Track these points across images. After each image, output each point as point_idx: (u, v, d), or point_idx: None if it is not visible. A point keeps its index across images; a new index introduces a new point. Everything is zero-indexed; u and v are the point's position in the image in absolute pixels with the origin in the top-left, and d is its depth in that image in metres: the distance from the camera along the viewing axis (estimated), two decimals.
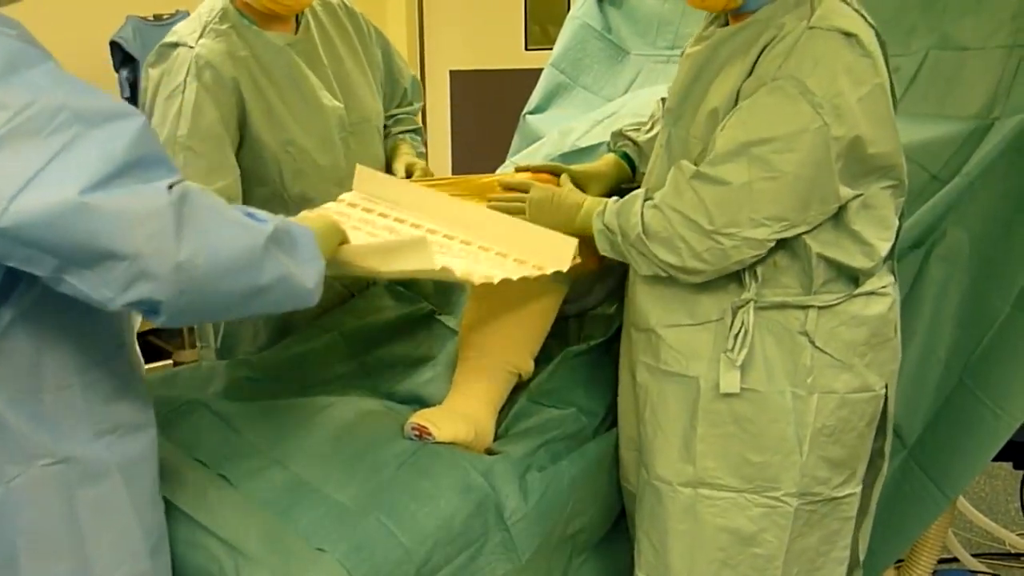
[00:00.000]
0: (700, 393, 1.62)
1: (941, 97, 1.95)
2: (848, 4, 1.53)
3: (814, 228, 1.53)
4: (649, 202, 1.57)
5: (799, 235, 1.53)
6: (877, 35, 1.53)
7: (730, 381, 1.59)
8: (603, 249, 1.65)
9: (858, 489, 1.69)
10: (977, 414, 1.84)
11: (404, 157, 2.20)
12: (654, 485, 1.67)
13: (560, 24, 2.63)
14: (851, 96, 1.46)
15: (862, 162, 1.51)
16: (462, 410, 1.70)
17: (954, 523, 2.62)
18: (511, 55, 4.53)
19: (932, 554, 2.15)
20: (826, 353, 1.59)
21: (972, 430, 1.85)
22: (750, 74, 1.52)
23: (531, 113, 2.54)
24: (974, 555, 2.56)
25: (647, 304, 1.68)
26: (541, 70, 2.63)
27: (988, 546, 2.76)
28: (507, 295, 1.74)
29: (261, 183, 2.06)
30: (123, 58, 3.56)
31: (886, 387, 1.67)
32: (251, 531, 1.46)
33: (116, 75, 3.58)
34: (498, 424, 1.77)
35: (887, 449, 1.73)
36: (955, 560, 2.51)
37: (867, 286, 1.60)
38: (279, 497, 1.53)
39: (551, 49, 2.64)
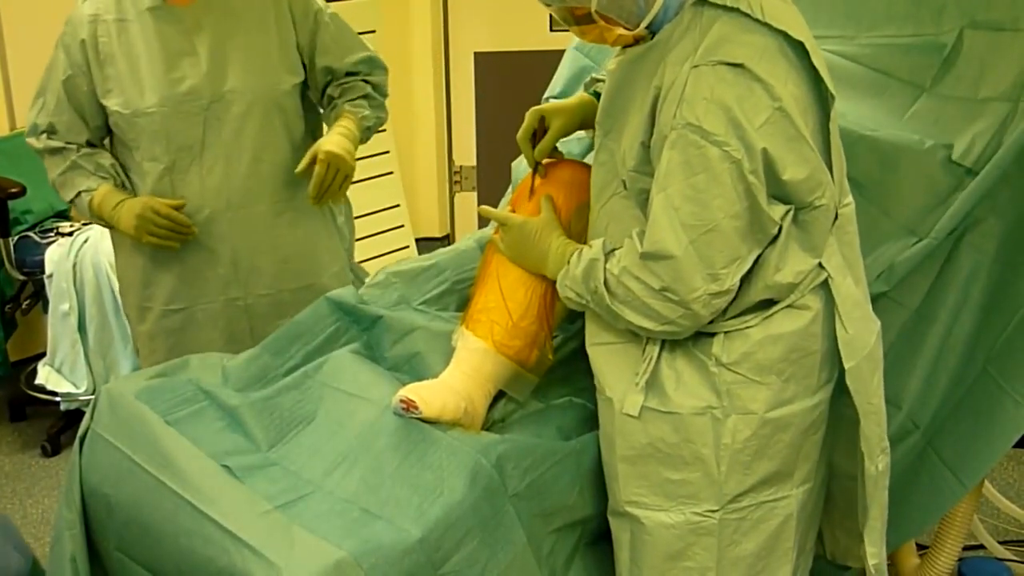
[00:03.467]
0: (615, 414, 1.63)
1: (976, 79, 1.91)
2: (749, 15, 1.49)
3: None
4: (611, 264, 1.57)
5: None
6: (787, 39, 1.49)
7: (631, 403, 1.60)
8: (577, 309, 1.68)
9: (801, 488, 1.66)
10: (998, 402, 1.82)
11: (329, 136, 2.24)
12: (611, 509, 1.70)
13: None
14: (750, 126, 1.45)
15: (780, 185, 1.49)
16: (454, 385, 1.70)
17: (980, 509, 2.60)
18: (536, 37, 4.49)
19: (957, 541, 2.13)
20: (739, 374, 1.57)
21: (993, 419, 1.83)
22: (652, 126, 1.53)
23: (555, 98, 2.51)
24: (1001, 542, 2.53)
25: (588, 322, 1.70)
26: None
27: (1016, 533, 2.73)
28: (516, 283, 1.76)
29: (119, 142, 2.23)
30: None
31: (821, 400, 1.64)
32: (257, 523, 1.47)
33: None
34: (501, 410, 1.77)
35: (873, 469, 1.67)
36: (981, 547, 2.49)
37: (785, 301, 1.58)
38: (283, 492, 1.54)
39: None
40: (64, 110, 2.17)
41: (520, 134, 1.89)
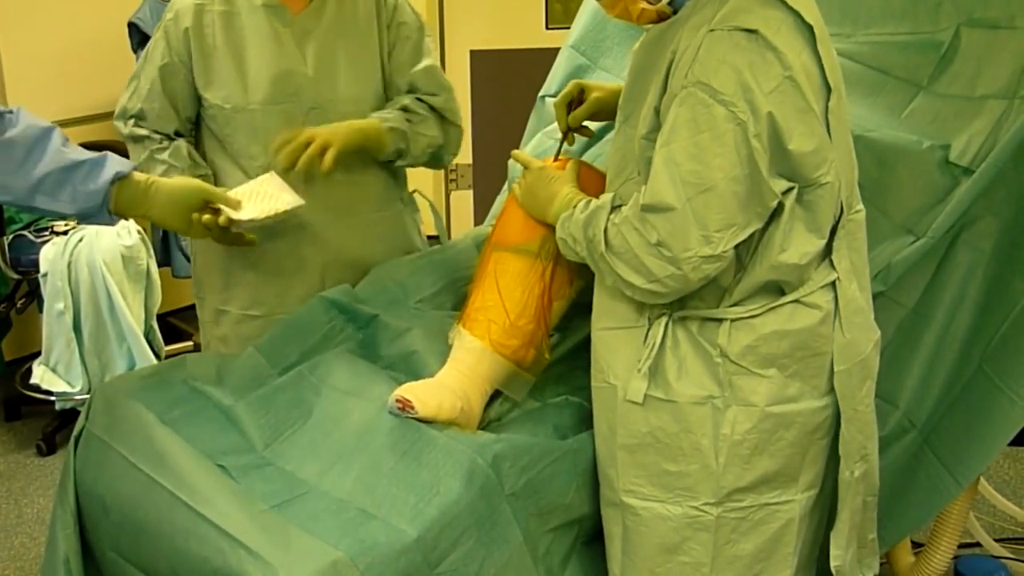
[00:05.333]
0: (618, 402, 1.63)
1: (972, 77, 1.92)
2: None
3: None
4: (614, 216, 1.57)
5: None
6: (801, 19, 1.51)
7: (635, 389, 1.61)
8: (567, 255, 1.68)
9: (804, 494, 1.66)
10: (994, 400, 1.82)
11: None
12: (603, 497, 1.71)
13: (580, 2, 2.60)
14: (759, 91, 1.46)
15: (785, 155, 1.49)
16: (451, 385, 1.70)
17: (976, 507, 2.60)
18: (532, 34, 4.49)
19: (953, 538, 2.13)
20: (741, 366, 1.58)
21: (988, 416, 1.83)
22: (664, 90, 1.54)
23: (551, 96, 2.51)
24: (997, 539, 2.53)
25: (596, 306, 1.71)
26: None
27: (1011, 531, 2.74)
28: (513, 283, 1.76)
29: (211, 136, 2.14)
30: (141, 39, 3.55)
31: (829, 403, 1.63)
32: (253, 523, 1.46)
33: (134, 56, 3.58)
34: (497, 409, 1.76)
35: (848, 474, 1.67)
36: (977, 545, 2.49)
37: (794, 294, 1.59)
38: (279, 492, 1.54)
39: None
40: (156, 98, 2.08)
41: (558, 100, 1.95)
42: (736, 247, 1.53)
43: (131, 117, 2.12)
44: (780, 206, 1.53)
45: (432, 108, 2.20)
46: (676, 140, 1.49)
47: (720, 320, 1.59)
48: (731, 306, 1.59)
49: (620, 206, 1.59)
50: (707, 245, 1.50)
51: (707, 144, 1.47)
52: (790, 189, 1.53)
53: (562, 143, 1.95)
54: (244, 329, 2.16)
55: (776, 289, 1.59)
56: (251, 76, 2.08)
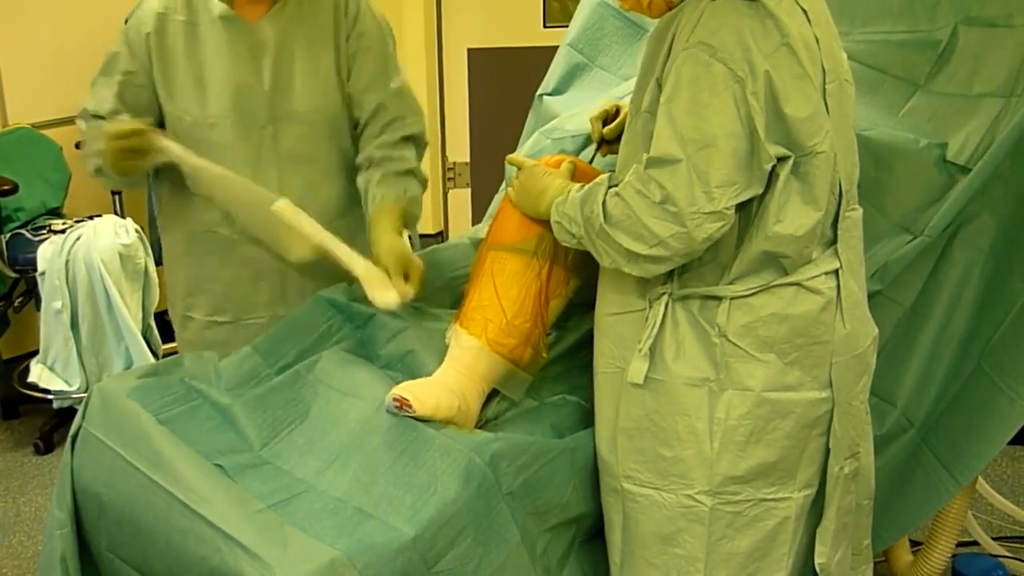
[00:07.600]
0: (623, 384, 1.64)
1: (969, 75, 1.92)
2: None
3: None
4: (613, 189, 1.58)
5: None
6: None
7: (635, 370, 1.62)
8: (562, 240, 1.68)
9: (802, 493, 1.65)
10: (993, 399, 1.82)
11: (387, 241, 1.99)
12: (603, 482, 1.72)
13: (578, 1, 2.60)
14: (759, 52, 1.48)
15: (781, 119, 1.50)
16: (448, 383, 1.70)
17: (974, 506, 2.60)
18: (529, 33, 4.49)
19: (951, 537, 2.13)
20: (739, 347, 1.58)
21: (987, 415, 1.83)
22: (667, 61, 1.56)
23: (549, 95, 2.51)
24: (995, 538, 2.53)
25: (600, 294, 1.71)
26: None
27: (1009, 529, 2.74)
28: (510, 281, 1.76)
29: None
30: None
31: (829, 397, 1.62)
32: (250, 523, 1.46)
33: None
34: (495, 408, 1.76)
35: (837, 469, 1.66)
36: (975, 543, 2.49)
37: (796, 275, 1.59)
38: (276, 491, 1.54)
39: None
40: (117, 104, 2.04)
41: (595, 114, 2.00)
42: (736, 214, 1.53)
43: (93, 117, 2.06)
44: (775, 176, 1.54)
45: (405, 136, 2.15)
46: (677, 99, 1.51)
47: (719, 299, 1.59)
48: (730, 283, 1.59)
49: (617, 184, 1.60)
50: (709, 201, 1.50)
51: (707, 101, 1.49)
52: (786, 158, 1.53)
53: (595, 155, 1.99)
54: (211, 335, 2.16)
55: (776, 266, 1.59)
56: (209, 90, 2.04)
